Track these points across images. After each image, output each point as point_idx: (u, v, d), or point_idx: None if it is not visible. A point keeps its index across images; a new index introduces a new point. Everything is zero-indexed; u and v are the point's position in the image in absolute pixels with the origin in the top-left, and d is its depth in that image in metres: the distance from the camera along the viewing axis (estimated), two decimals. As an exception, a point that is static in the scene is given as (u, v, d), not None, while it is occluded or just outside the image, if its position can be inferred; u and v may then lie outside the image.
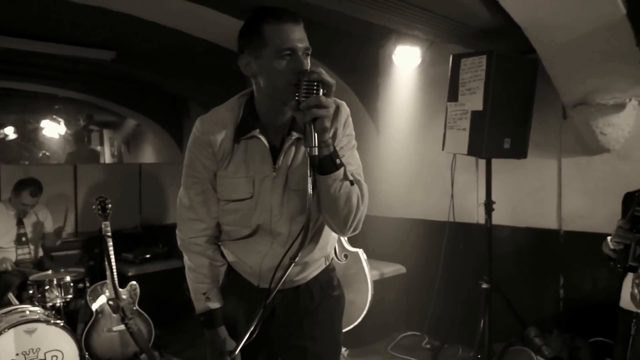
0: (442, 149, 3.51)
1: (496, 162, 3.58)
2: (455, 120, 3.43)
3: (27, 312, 3.05)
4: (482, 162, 3.66)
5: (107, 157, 10.10)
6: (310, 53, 1.44)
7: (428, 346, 4.06)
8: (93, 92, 7.47)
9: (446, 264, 4.04)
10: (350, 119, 1.56)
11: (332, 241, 1.71)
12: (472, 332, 3.45)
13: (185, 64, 5.58)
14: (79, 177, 5.11)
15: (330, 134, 1.37)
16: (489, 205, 3.51)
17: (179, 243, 1.69)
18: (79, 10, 3.83)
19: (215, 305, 1.63)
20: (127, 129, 9.99)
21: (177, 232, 1.68)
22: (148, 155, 9.18)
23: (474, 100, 3.30)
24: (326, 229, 1.62)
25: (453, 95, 3.43)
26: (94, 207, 3.65)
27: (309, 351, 1.64)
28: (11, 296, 3.34)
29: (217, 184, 1.58)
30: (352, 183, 1.42)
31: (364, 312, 3.40)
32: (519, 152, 3.43)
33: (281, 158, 1.51)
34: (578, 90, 3.18)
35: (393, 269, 4.32)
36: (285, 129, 1.52)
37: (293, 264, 1.40)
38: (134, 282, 3.73)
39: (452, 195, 3.96)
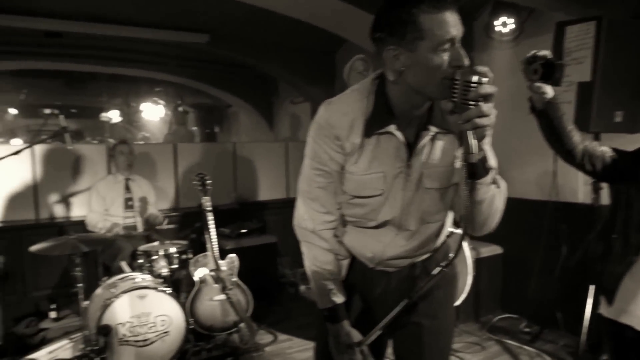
0: (545, 124, 3.32)
1: (605, 137, 3.32)
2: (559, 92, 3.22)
3: (139, 280, 3.29)
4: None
5: (201, 137, 10.54)
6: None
7: (527, 330, 3.91)
8: (188, 74, 7.80)
9: (547, 245, 3.84)
10: None
11: (449, 223, 1.63)
12: (577, 319, 3.27)
13: (276, 44, 5.67)
14: (178, 156, 5.39)
15: None
16: (596, 184, 3.30)
17: (302, 235, 1.58)
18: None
19: (340, 299, 1.56)
20: (220, 109, 10.40)
21: (301, 222, 1.57)
22: (240, 134, 9.49)
23: (580, 70, 3.09)
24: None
25: (557, 66, 3.22)
26: (194, 182, 3.83)
27: (426, 328, 1.59)
28: (124, 264, 3.59)
29: (344, 177, 1.48)
30: (497, 186, 1.32)
31: (464, 295, 3.32)
32: (632, 125, 3.17)
33: (416, 154, 1.40)
34: None
35: (489, 249, 4.19)
36: (420, 122, 1.40)
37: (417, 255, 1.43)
38: (233, 255, 3.86)
39: (554, 173, 3.75)
